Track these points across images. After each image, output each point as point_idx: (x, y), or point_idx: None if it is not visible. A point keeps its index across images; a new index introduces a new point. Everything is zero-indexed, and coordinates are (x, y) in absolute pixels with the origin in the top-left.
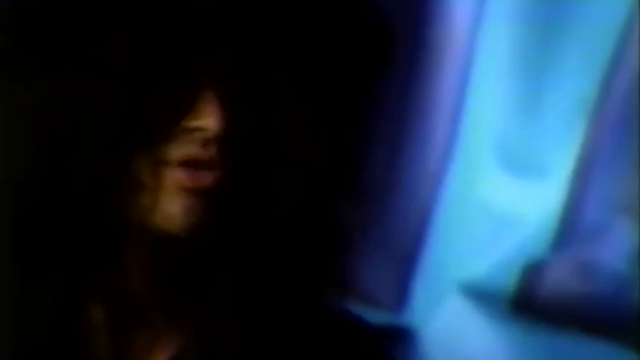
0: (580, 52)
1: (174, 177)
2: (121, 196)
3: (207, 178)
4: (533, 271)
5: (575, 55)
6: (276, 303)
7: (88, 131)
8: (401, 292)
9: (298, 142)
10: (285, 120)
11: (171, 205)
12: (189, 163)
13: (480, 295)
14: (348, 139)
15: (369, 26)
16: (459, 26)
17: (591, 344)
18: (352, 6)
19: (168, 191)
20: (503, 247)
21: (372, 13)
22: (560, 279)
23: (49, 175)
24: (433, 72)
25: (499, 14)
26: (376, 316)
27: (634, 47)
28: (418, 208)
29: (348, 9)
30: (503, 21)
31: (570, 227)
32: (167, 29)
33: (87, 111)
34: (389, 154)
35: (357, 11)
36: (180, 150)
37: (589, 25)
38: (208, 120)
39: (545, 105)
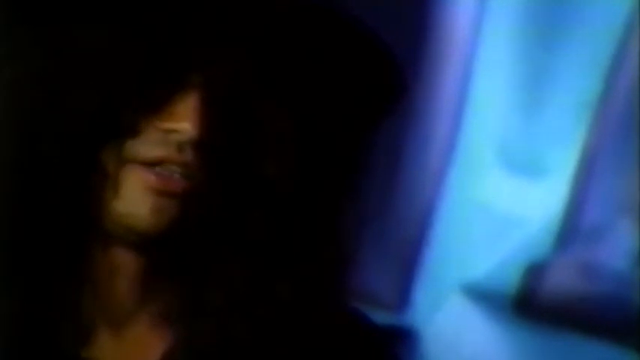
0: (581, 54)
1: (145, 177)
2: (89, 189)
3: (178, 182)
4: (534, 272)
5: (576, 57)
6: (273, 303)
7: (58, 120)
8: (403, 293)
9: (276, 156)
10: (266, 133)
11: (140, 205)
12: (161, 165)
13: (482, 295)
14: (349, 142)
15: (366, 51)
16: (461, 29)
17: (592, 344)
18: (349, 29)
19: (137, 191)
20: (504, 248)
21: (373, 42)
22: (562, 279)
23: (19, 163)
24: (435, 74)
25: (500, 17)
26: (378, 317)
27: (634, 49)
28: (420, 209)
29: (346, 32)
30: (504, 23)
31: (572, 228)
32: (151, 26)
33: (60, 100)
34: (390, 156)
35: (355, 35)
36: (153, 151)
37: (590, 27)
38: (185, 123)
39: (547, 107)
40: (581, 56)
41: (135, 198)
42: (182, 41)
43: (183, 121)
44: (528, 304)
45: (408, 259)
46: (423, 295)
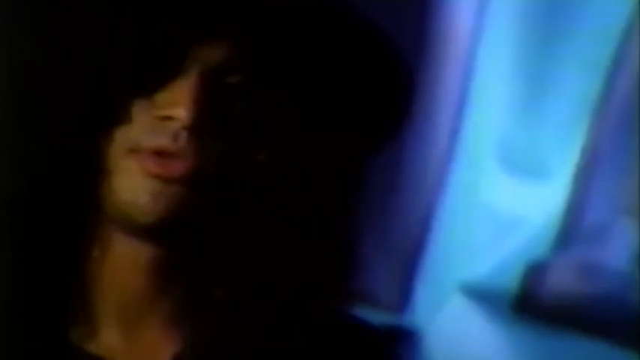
0: (581, 54)
1: (143, 164)
2: (89, 178)
3: (175, 168)
4: (535, 272)
5: (576, 58)
6: (274, 302)
7: (53, 109)
8: (404, 294)
9: (272, 144)
10: (260, 118)
11: (140, 192)
12: (158, 153)
13: (483, 295)
14: (350, 141)
15: (370, 39)
16: (462, 29)
17: (592, 344)
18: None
19: (136, 178)
20: (505, 248)
21: (378, 35)
22: (562, 279)
23: (18, 152)
24: (435, 75)
25: (501, 17)
26: (379, 317)
27: (634, 50)
28: (421, 210)
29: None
30: (505, 24)
31: (572, 228)
32: (145, 13)
33: (54, 89)
34: (391, 157)
35: (360, 27)
36: (149, 139)
37: (590, 27)
38: (180, 109)
39: (547, 107)
40: (582, 56)
41: (134, 185)
42: (175, 28)
43: (179, 107)
44: (528, 304)
45: (408, 260)
46: (423, 295)
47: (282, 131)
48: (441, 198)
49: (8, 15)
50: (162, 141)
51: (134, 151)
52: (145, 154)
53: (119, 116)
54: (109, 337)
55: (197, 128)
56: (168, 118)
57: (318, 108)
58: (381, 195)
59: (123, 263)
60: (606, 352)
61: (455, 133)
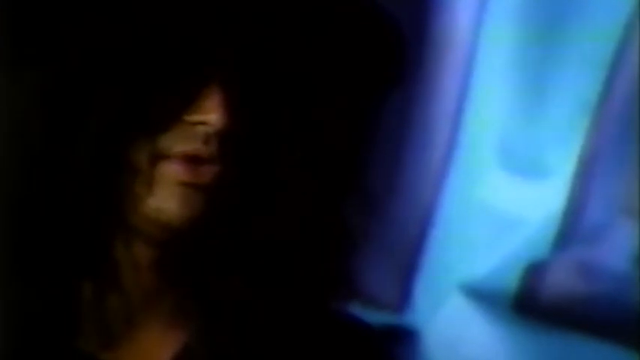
0: (581, 53)
1: (173, 170)
2: (119, 184)
3: (206, 174)
4: (534, 272)
5: (576, 57)
6: (278, 303)
7: (89, 118)
8: (403, 293)
9: (302, 143)
10: (289, 120)
11: (171, 199)
12: (189, 159)
13: (482, 295)
14: (353, 140)
15: (378, 30)
16: (461, 28)
17: (592, 345)
18: (361, 9)
19: (166, 184)
20: (504, 248)
21: (381, 17)
22: (562, 279)
23: (50, 159)
24: (435, 74)
25: (501, 16)
26: (378, 317)
27: (634, 49)
28: (420, 209)
29: (358, 12)
30: (504, 23)
31: (572, 228)
32: (174, 21)
33: (90, 97)
34: (391, 156)
35: (366, 14)
36: (181, 145)
37: (590, 26)
38: (211, 115)
39: (547, 106)
40: (581, 56)
41: (165, 192)
42: (204, 36)
43: (210, 113)
44: (528, 303)
45: (408, 259)
46: (423, 295)
47: (310, 132)
48: (440, 197)
49: (51, 25)
50: (194, 146)
51: (165, 157)
52: (175, 161)
53: (152, 125)
54: (117, 340)
55: (228, 132)
56: (201, 123)
57: (333, 99)
58: (381, 194)
59: (139, 266)
60: (606, 352)
61: (454, 132)
